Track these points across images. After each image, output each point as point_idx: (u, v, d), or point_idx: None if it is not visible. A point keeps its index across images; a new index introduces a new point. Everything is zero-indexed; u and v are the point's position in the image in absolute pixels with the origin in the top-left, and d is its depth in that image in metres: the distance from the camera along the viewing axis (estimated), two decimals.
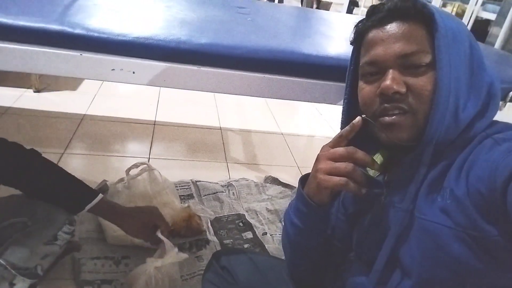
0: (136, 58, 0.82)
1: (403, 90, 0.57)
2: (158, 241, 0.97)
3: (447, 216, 0.54)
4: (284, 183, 1.70)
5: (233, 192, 1.58)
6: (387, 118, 0.60)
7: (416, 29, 0.59)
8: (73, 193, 0.94)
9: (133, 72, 0.83)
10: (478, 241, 0.52)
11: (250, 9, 1.43)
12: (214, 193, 1.54)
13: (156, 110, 2.25)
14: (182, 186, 1.55)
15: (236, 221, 1.43)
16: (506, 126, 0.59)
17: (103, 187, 1.37)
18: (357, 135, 0.64)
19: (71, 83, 2.38)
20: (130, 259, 1.17)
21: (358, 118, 0.62)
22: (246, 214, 1.47)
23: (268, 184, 1.68)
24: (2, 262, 0.83)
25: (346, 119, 0.72)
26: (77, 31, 0.79)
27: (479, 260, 0.52)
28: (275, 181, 1.71)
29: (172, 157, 1.84)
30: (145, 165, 1.21)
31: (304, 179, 0.70)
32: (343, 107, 0.73)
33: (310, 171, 0.68)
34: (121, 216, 0.98)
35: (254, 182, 1.68)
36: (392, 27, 0.59)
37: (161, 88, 2.58)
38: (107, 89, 2.42)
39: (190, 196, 1.51)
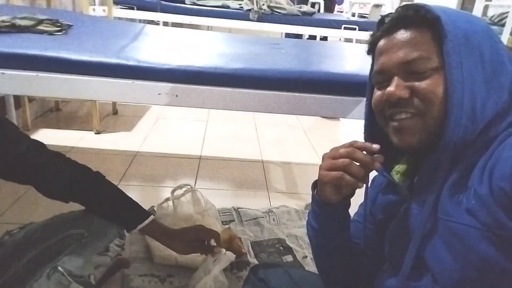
0: (178, 83, 0.94)
1: (406, 95, 0.60)
2: (210, 250, 1.03)
3: (472, 216, 0.54)
4: None
5: (273, 218, 1.61)
6: (395, 123, 0.63)
7: (420, 35, 0.60)
8: (129, 212, 1.03)
9: (176, 96, 0.94)
10: (505, 240, 0.51)
11: (285, 45, 1.55)
12: (255, 219, 1.59)
13: (202, 146, 2.38)
14: (224, 212, 1.62)
15: (276, 245, 1.45)
16: None
17: (151, 212, 1.47)
18: (384, 143, 0.67)
19: (127, 125, 2.61)
20: (174, 278, 1.23)
21: (376, 146, 0.63)
22: (286, 238, 1.49)
23: (308, 211, 1.70)
24: (60, 269, 0.92)
25: (369, 124, 0.75)
26: (130, 62, 0.93)
27: (507, 260, 0.52)
28: None
29: (215, 188, 1.93)
30: (189, 186, 1.30)
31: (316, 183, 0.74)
32: (365, 112, 0.76)
33: None
34: (169, 236, 1.05)
35: (295, 209, 1.70)
36: (397, 36, 0.62)
37: (207, 125, 2.75)
38: (158, 129, 2.62)
39: (232, 222, 1.56)
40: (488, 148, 0.56)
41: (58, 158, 0.96)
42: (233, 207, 1.66)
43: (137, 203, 1.03)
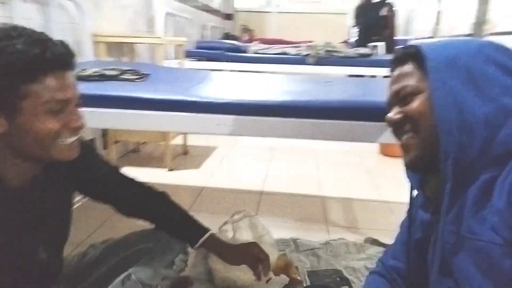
0: (234, 115, 1.07)
1: (397, 117, 0.70)
2: (261, 269, 1.08)
3: (495, 233, 0.55)
4: (385, 243, 1.67)
5: (330, 250, 1.62)
6: (401, 143, 0.72)
7: (407, 68, 0.70)
8: (192, 228, 1.13)
9: (232, 126, 1.07)
10: None
11: (335, 82, 1.64)
12: (312, 249, 1.61)
13: (264, 182, 2.49)
14: (283, 243, 1.67)
15: (333, 276, 1.45)
16: None
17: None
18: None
19: (195, 164, 2.83)
20: None
21: None
22: (343, 270, 1.49)
23: (367, 245, 1.68)
24: (133, 277, 1.05)
25: None
26: (193, 98, 1.09)
27: None
28: (375, 242, 1.70)
29: (274, 221, 1.99)
30: (246, 211, 1.39)
31: None
32: None
33: None
34: (226, 248, 1.13)
35: (353, 242, 1.70)
36: (394, 72, 0.73)
37: (270, 164, 2.85)
38: (223, 167, 2.80)
39: (290, 251, 1.60)
40: (506, 163, 0.57)
41: (132, 181, 1.12)
42: (291, 237, 1.70)
43: (198, 220, 1.14)
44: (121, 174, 1.10)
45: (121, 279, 1.01)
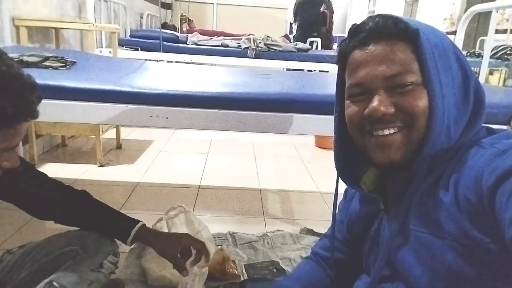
0: (168, 107, 1.02)
1: (391, 110, 0.58)
2: (182, 268, 1.02)
3: (439, 226, 0.55)
4: (319, 233, 1.72)
5: (267, 242, 1.63)
6: (378, 139, 0.61)
7: (399, 49, 0.58)
8: (120, 224, 1.07)
9: (167, 118, 1.02)
10: (470, 249, 0.52)
11: (274, 76, 1.64)
12: (249, 242, 1.61)
13: (201, 177, 2.44)
14: (220, 237, 1.65)
15: (270, 267, 1.47)
16: (492, 132, 0.60)
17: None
18: (351, 151, 0.69)
19: (129, 159, 2.69)
20: None
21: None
22: (280, 261, 1.51)
23: (303, 235, 1.72)
24: (56, 284, 0.96)
25: (339, 136, 0.73)
26: (124, 88, 1.02)
27: (473, 269, 0.52)
28: (310, 232, 1.74)
29: (212, 215, 1.97)
30: (182, 207, 1.35)
31: None
32: (334, 125, 0.73)
33: None
34: (160, 237, 1.07)
35: (289, 233, 1.73)
36: (375, 48, 0.59)
37: (207, 158, 2.81)
38: (159, 162, 2.70)
39: (227, 245, 1.59)
40: (454, 157, 0.57)
41: (47, 180, 1.02)
42: (228, 232, 1.69)
43: (126, 215, 1.08)
44: (34, 172, 1.01)
45: (42, 286, 0.92)
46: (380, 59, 0.59)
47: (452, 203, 0.54)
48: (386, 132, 0.60)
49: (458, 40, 2.33)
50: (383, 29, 0.59)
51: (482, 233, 0.50)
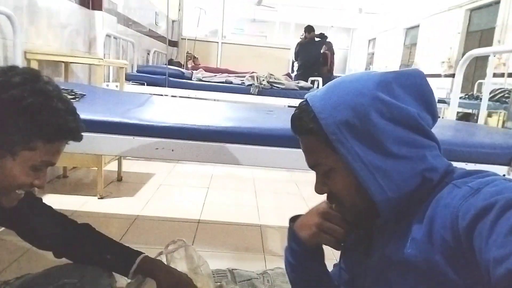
0: (174, 139, 1.04)
1: (324, 192, 0.68)
2: None
3: (410, 264, 0.57)
4: None
5: (267, 279, 1.60)
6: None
7: (310, 141, 0.65)
8: (124, 254, 1.06)
9: (172, 150, 1.04)
10: (433, 277, 0.53)
11: (277, 112, 1.68)
12: (249, 280, 1.57)
13: (201, 211, 2.43)
14: (219, 274, 1.61)
15: None
16: (467, 173, 0.60)
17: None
18: None
19: (130, 191, 2.69)
20: None
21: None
22: None
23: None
24: None
25: None
26: (132, 121, 1.04)
27: None
28: None
29: (211, 250, 1.93)
30: (182, 241, 1.33)
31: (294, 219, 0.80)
32: None
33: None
34: (163, 270, 1.07)
35: None
36: (301, 140, 0.68)
37: (208, 192, 2.80)
38: (160, 195, 2.69)
39: (226, 282, 1.55)
40: (429, 197, 0.59)
41: (51, 212, 1.03)
42: (227, 268, 1.66)
43: (128, 247, 1.07)
44: (41, 203, 1.02)
45: None
46: (304, 150, 0.68)
47: (423, 239, 0.55)
48: (334, 205, 0.71)
49: (457, 83, 2.39)
50: (296, 128, 0.67)
51: (456, 273, 0.51)
